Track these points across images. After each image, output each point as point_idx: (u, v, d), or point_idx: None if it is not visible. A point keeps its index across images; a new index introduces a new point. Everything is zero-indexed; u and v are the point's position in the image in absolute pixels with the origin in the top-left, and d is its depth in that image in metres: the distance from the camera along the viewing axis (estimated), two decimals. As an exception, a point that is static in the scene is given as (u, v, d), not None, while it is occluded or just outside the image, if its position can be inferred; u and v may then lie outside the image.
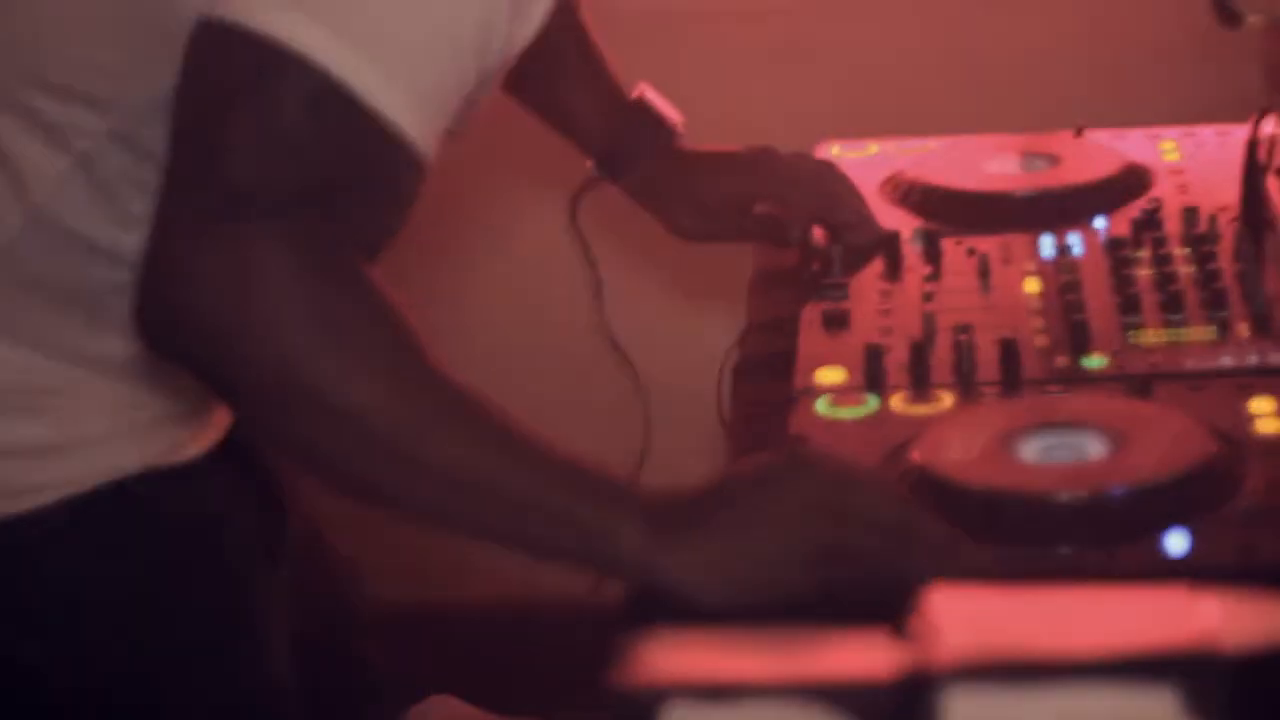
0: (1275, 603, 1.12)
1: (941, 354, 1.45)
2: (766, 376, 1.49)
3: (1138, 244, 1.59)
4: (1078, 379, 1.42)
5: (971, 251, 1.61)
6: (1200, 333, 1.45)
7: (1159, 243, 1.58)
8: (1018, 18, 2.50)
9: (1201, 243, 1.57)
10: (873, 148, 1.83)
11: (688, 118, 1.70)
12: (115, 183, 1.33)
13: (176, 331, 1.22)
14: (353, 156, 1.22)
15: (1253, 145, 1.58)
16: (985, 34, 2.50)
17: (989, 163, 1.76)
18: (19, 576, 1.39)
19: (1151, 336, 1.46)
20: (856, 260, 1.61)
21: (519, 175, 2.48)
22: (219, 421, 1.47)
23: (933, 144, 1.82)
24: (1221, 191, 1.65)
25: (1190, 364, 1.42)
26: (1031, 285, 1.55)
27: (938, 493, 1.26)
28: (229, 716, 1.46)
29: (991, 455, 1.29)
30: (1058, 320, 1.49)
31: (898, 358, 1.44)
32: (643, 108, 1.68)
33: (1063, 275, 1.55)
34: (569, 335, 2.22)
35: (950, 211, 1.69)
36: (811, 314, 1.53)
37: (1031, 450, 1.30)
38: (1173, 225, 1.62)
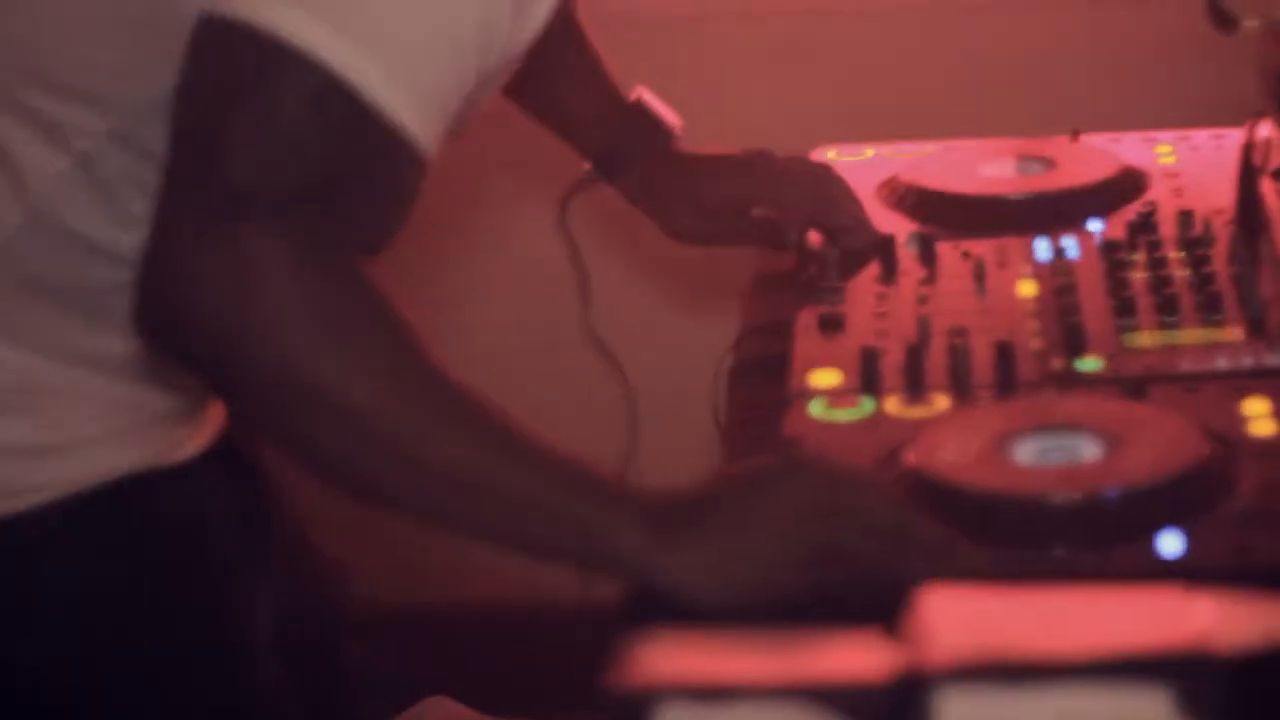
0: (1269, 604, 1.12)
1: (937, 357, 1.45)
2: (762, 379, 1.49)
3: (1133, 247, 1.59)
4: (1073, 381, 1.42)
5: (967, 255, 1.61)
6: (1195, 335, 1.46)
7: (1154, 246, 1.58)
8: (1014, 22, 2.50)
9: (1197, 245, 1.58)
10: (869, 151, 1.84)
11: (685, 121, 1.70)
12: (115, 182, 1.34)
13: (176, 330, 1.22)
14: (354, 154, 1.22)
15: (1248, 149, 1.58)
16: (981, 38, 2.51)
17: (984, 166, 1.76)
18: (16, 576, 1.39)
19: (1146, 339, 1.46)
20: (852, 264, 1.61)
21: (509, 177, 2.48)
22: (213, 421, 1.47)
23: (929, 147, 1.83)
24: (1217, 195, 1.65)
25: (1185, 366, 1.42)
26: (1027, 288, 1.55)
27: (933, 495, 1.27)
28: (223, 717, 1.47)
29: (986, 457, 1.29)
30: (1053, 323, 1.49)
31: (893, 360, 1.45)
32: (640, 109, 1.68)
33: (1058, 278, 1.55)
34: (557, 337, 2.22)
35: (946, 215, 1.69)
36: (807, 317, 1.53)
37: (1026, 452, 1.30)
38: (1168, 228, 1.62)
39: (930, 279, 1.58)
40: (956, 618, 1.11)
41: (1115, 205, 1.68)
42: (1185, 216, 1.62)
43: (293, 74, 1.19)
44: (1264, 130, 1.58)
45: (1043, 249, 1.61)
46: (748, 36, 2.53)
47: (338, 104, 1.20)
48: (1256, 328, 1.45)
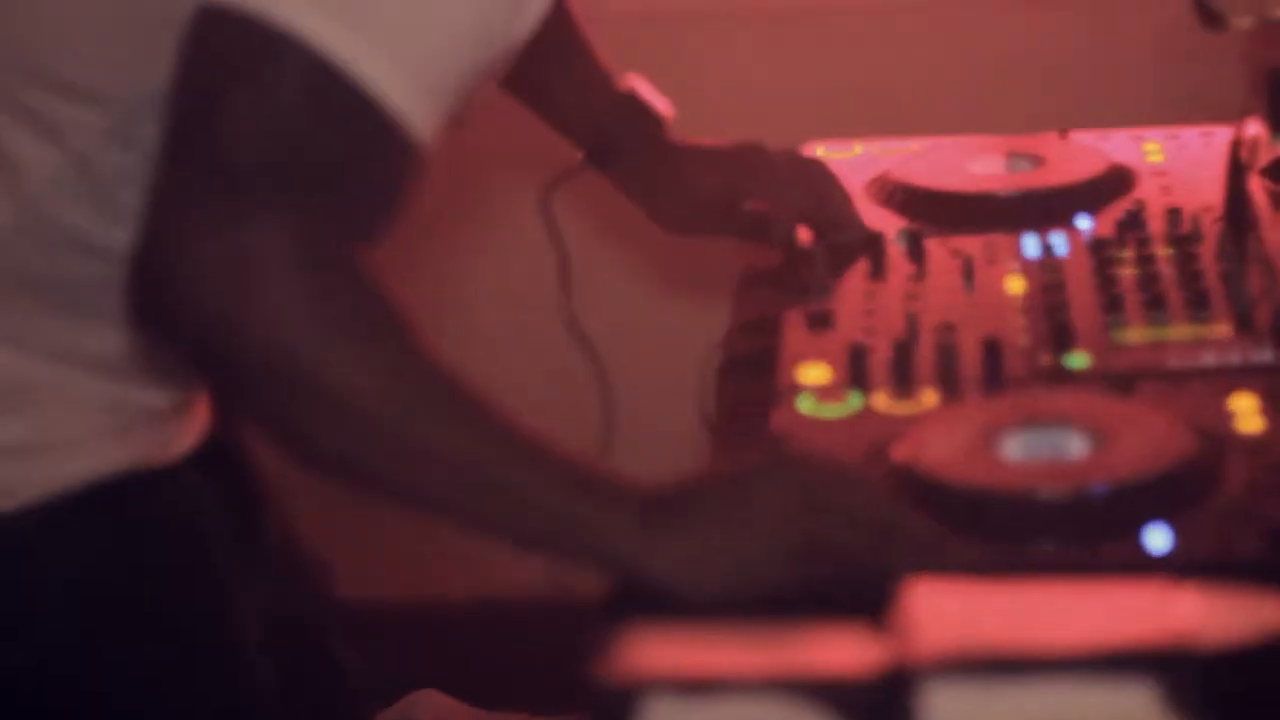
0: (1254, 599, 1.12)
1: (925, 353, 1.45)
2: (750, 375, 1.49)
3: (1121, 244, 1.59)
4: (1061, 377, 1.42)
5: (956, 251, 1.61)
6: (1183, 332, 1.46)
7: (1142, 243, 1.59)
8: (1003, 19, 2.50)
9: (1185, 243, 1.58)
10: (858, 148, 1.84)
11: (675, 118, 1.70)
12: (109, 179, 1.33)
13: (172, 319, 1.21)
14: (352, 143, 1.22)
15: (1236, 146, 1.58)
16: (971, 35, 2.51)
17: (973, 163, 1.76)
18: (4, 577, 1.39)
19: (1134, 335, 1.46)
20: (841, 260, 1.62)
21: (493, 164, 2.48)
22: (199, 421, 1.47)
23: (918, 144, 1.83)
24: (1205, 192, 1.66)
25: (1173, 362, 1.42)
26: (1015, 285, 1.56)
27: (921, 490, 1.27)
28: (213, 715, 1.46)
29: (974, 453, 1.30)
30: (1041, 319, 1.49)
31: (881, 356, 1.45)
32: (632, 98, 1.68)
33: (1046, 275, 1.55)
34: (537, 326, 2.22)
35: (935, 211, 1.69)
36: (796, 313, 1.53)
37: (1014, 448, 1.31)
38: (1156, 225, 1.62)
39: (919, 275, 1.59)
40: (943, 612, 1.11)
41: (1104, 202, 1.68)
42: (1173, 214, 1.63)
43: (292, 62, 1.19)
44: (1252, 128, 1.58)
45: (1031, 246, 1.61)
46: (738, 33, 2.53)
47: (337, 92, 1.20)
48: (1244, 324, 1.45)
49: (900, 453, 1.31)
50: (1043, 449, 1.31)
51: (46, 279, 1.35)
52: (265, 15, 1.19)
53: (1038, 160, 1.76)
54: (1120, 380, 1.40)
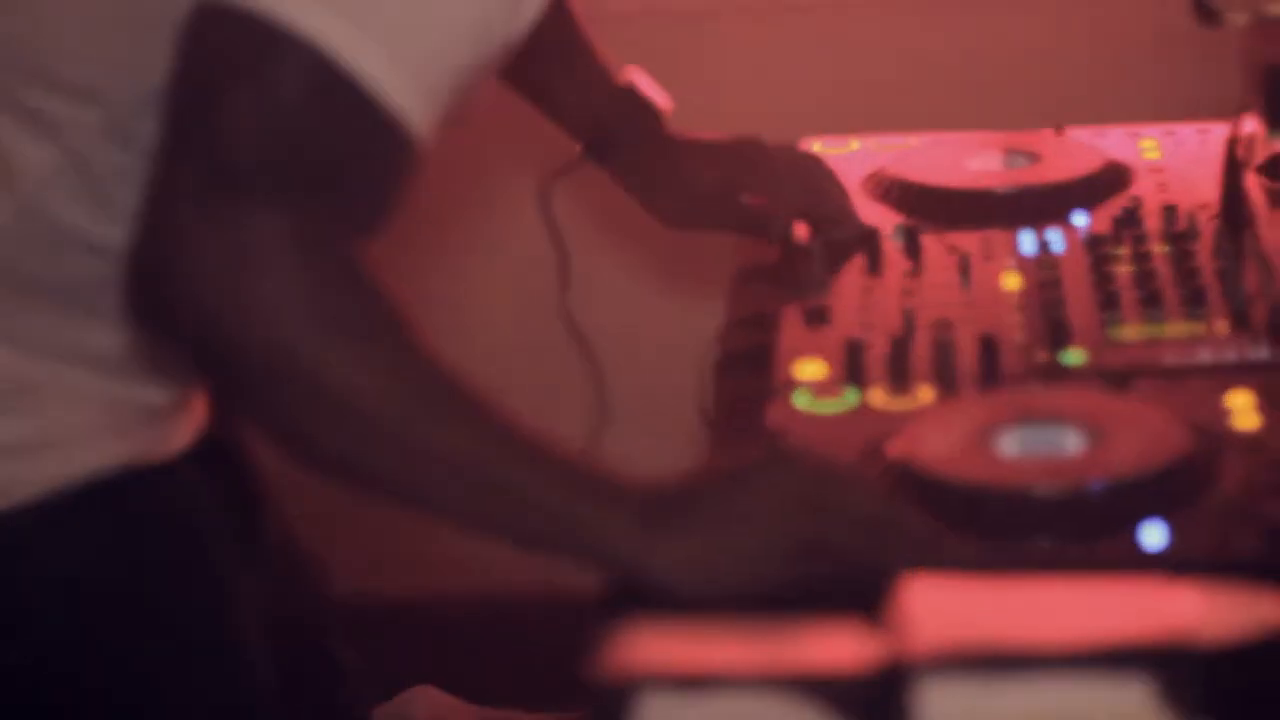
0: (1250, 596, 1.12)
1: (921, 349, 1.45)
2: (747, 371, 1.49)
3: (1118, 241, 1.59)
4: (1057, 374, 1.42)
5: (952, 248, 1.61)
6: (1179, 329, 1.46)
7: (1139, 240, 1.59)
8: (1000, 15, 2.50)
9: (1181, 240, 1.58)
10: (855, 144, 1.84)
11: (672, 112, 1.70)
12: (106, 177, 1.33)
13: (170, 316, 1.21)
14: (352, 139, 1.22)
15: (1232, 143, 1.58)
16: (968, 31, 2.51)
17: (970, 159, 1.76)
18: (2, 574, 1.39)
19: (1131, 332, 1.46)
20: (838, 256, 1.62)
21: (491, 157, 2.48)
22: (197, 418, 1.47)
23: (914, 140, 1.83)
24: (1201, 189, 1.66)
25: (1169, 360, 1.43)
26: (1012, 281, 1.56)
27: (917, 487, 1.27)
28: (211, 711, 1.46)
29: (970, 450, 1.30)
30: (1037, 316, 1.49)
31: (878, 353, 1.45)
32: (631, 93, 1.68)
33: (1043, 271, 1.55)
34: (535, 322, 2.22)
35: (931, 208, 1.69)
36: (792, 309, 1.53)
37: (1010, 445, 1.31)
38: (1153, 222, 1.62)
39: (915, 272, 1.59)
40: (940, 609, 1.11)
41: (1100, 199, 1.68)
42: (1170, 211, 1.63)
43: (293, 60, 1.19)
44: (1248, 125, 1.58)
45: (1028, 242, 1.61)
46: (736, 28, 2.53)
47: (338, 91, 1.20)
48: (1240, 321, 1.46)
49: (896, 449, 1.31)
50: (1039, 446, 1.31)
51: (44, 277, 1.35)
52: (266, 13, 1.19)
53: (1034, 157, 1.76)
54: (1116, 377, 1.40)
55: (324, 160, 1.22)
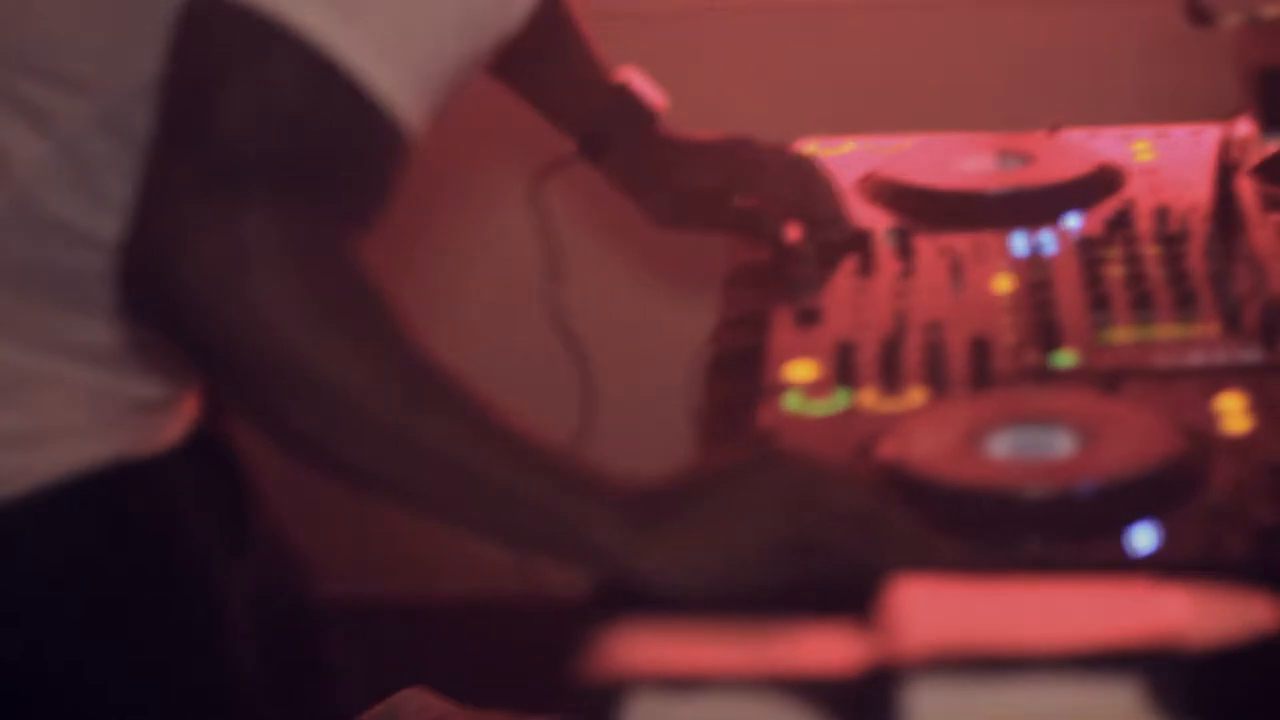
0: (1239, 598, 1.12)
1: (913, 351, 1.45)
2: (738, 371, 1.49)
3: (1109, 243, 1.59)
4: (1048, 376, 1.42)
5: (944, 249, 1.61)
6: (1170, 331, 1.46)
7: (1130, 242, 1.59)
8: (994, 17, 2.50)
9: (1173, 242, 1.58)
10: (848, 145, 1.84)
11: (667, 111, 1.70)
12: (98, 168, 1.33)
13: (163, 308, 1.21)
14: (343, 132, 1.22)
15: (1225, 146, 1.58)
16: (962, 33, 2.51)
17: (963, 161, 1.76)
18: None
19: (1122, 334, 1.46)
20: (830, 257, 1.62)
21: (484, 154, 2.48)
22: (188, 413, 1.47)
23: (908, 141, 1.83)
24: (1194, 191, 1.66)
25: (1160, 362, 1.42)
26: (1003, 283, 1.56)
27: (907, 488, 1.27)
28: (200, 706, 1.46)
29: (961, 451, 1.30)
30: (1028, 318, 1.49)
31: (869, 354, 1.45)
32: (625, 91, 1.68)
33: (1034, 273, 1.55)
34: (525, 319, 2.22)
35: (924, 209, 1.69)
36: (784, 310, 1.53)
37: (1001, 446, 1.31)
38: (1145, 224, 1.62)
39: (907, 273, 1.59)
40: (928, 610, 1.11)
41: (1093, 201, 1.68)
42: (1162, 213, 1.63)
43: (286, 54, 1.19)
44: (1241, 127, 1.58)
45: (1019, 244, 1.61)
46: (730, 29, 2.53)
47: (331, 85, 1.20)
48: (1231, 324, 1.45)
49: (887, 450, 1.31)
50: (1029, 447, 1.31)
51: (36, 269, 1.35)
52: (259, 7, 1.19)
53: (1027, 158, 1.76)
54: (1107, 379, 1.40)
55: (317, 154, 1.22)
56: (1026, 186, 1.71)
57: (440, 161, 2.47)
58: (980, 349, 1.44)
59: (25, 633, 1.40)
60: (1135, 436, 1.29)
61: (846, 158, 1.80)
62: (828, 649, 1.10)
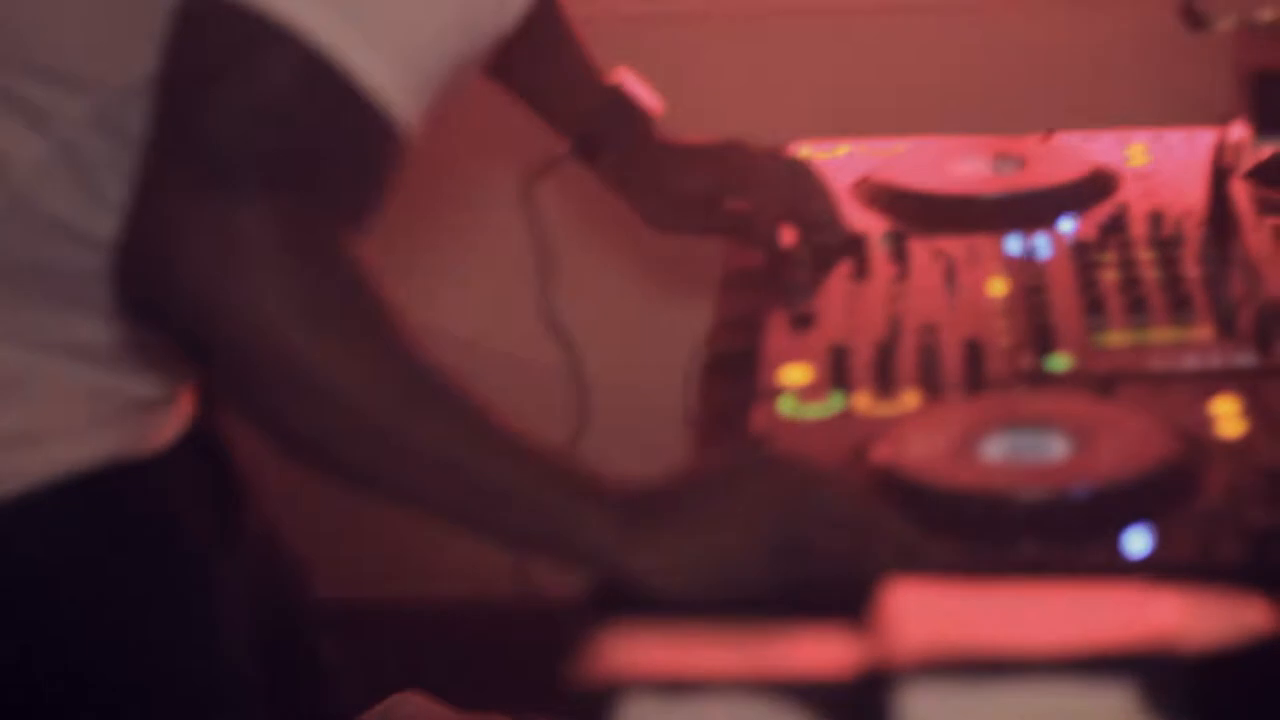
0: (1233, 602, 1.12)
1: (907, 354, 1.45)
2: (732, 375, 1.49)
3: (1104, 247, 1.59)
4: (1042, 379, 1.42)
5: (938, 253, 1.61)
6: (1165, 335, 1.46)
7: (1125, 245, 1.59)
8: (989, 21, 2.50)
9: (1167, 246, 1.58)
10: (843, 148, 1.84)
11: (661, 114, 1.70)
12: (94, 167, 1.33)
13: (159, 306, 1.21)
14: (338, 130, 1.22)
15: (1219, 150, 1.58)
16: (956, 36, 2.51)
17: (957, 164, 1.76)
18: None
19: (1116, 338, 1.46)
20: (824, 260, 1.62)
21: (477, 154, 2.48)
22: (183, 412, 1.47)
23: (902, 145, 1.83)
24: (1188, 195, 1.66)
25: (1154, 365, 1.43)
26: (997, 287, 1.56)
27: (901, 491, 1.27)
28: (194, 706, 1.46)
29: (955, 454, 1.30)
30: (1023, 321, 1.49)
31: (863, 358, 1.45)
32: (619, 93, 1.68)
33: (1029, 277, 1.55)
34: (517, 322, 2.21)
35: (918, 213, 1.69)
36: (778, 313, 1.53)
37: (995, 450, 1.31)
38: (1139, 228, 1.62)
39: (901, 277, 1.59)
40: (922, 613, 1.11)
41: (1087, 205, 1.68)
42: (1156, 217, 1.63)
43: (283, 53, 1.19)
44: (1236, 131, 1.58)
45: (1014, 248, 1.61)
46: (724, 32, 2.53)
47: (327, 83, 1.20)
48: (1225, 328, 1.46)
49: (881, 454, 1.31)
50: (1023, 451, 1.31)
51: (33, 268, 1.35)
52: (255, 5, 1.19)
53: (1021, 162, 1.76)
54: (1101, 383, 1.40)
55: (313, 153, 1.22)
56: (1021, 190, 1.71)
57: (433, 161, 2.47)
58: (975, 352, 1.44)
59: (22, 632, 1.40)
60: (1130, 440, 1.29)
61: (840, 161, 1.80)
62: (822, 652, 1.10)
